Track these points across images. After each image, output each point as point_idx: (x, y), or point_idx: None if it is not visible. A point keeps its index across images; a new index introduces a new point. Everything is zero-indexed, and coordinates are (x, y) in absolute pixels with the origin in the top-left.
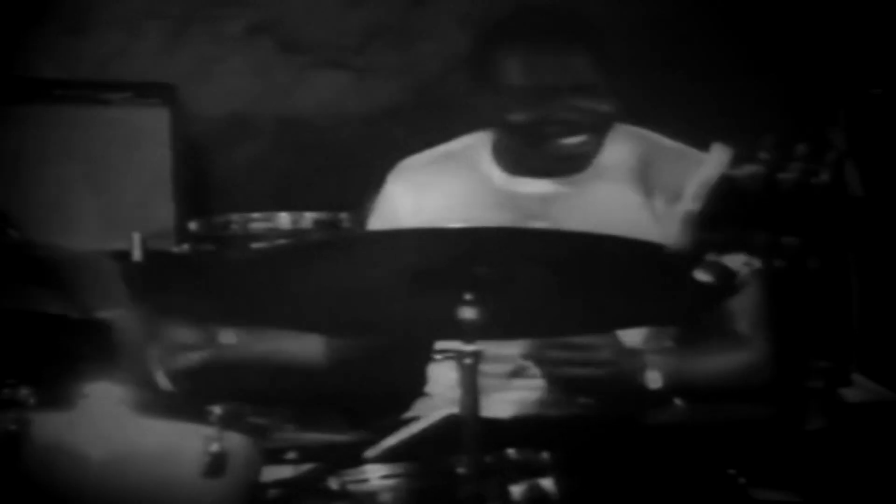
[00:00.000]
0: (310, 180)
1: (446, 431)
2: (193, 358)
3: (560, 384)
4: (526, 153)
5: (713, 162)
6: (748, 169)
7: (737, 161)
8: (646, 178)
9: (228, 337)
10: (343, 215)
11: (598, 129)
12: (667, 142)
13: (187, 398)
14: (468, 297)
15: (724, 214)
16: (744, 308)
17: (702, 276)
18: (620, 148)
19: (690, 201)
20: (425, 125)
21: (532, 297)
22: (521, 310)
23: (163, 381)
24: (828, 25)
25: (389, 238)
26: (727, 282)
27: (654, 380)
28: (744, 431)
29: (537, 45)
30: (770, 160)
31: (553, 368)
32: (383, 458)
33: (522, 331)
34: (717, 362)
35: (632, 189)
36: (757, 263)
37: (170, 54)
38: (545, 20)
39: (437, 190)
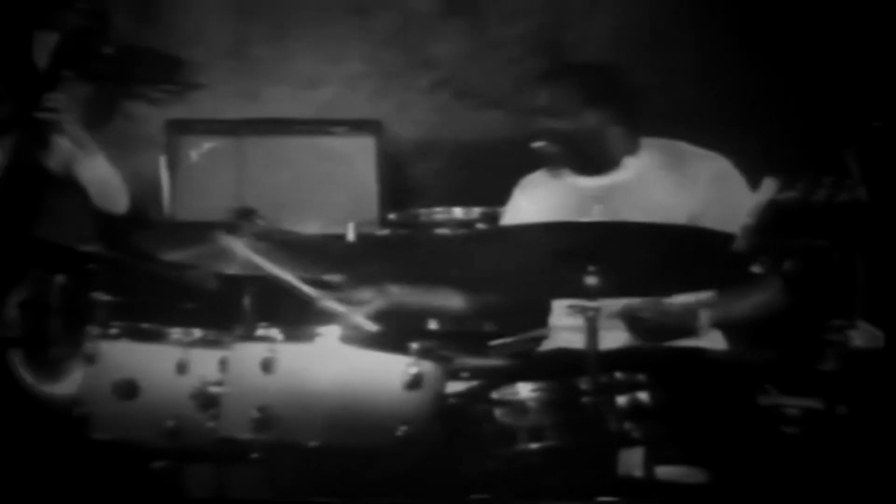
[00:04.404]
0: (473, 186)
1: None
2: (377, 304)
3: (640, 330)
4: None
5: (764, 190)
6: (787, 194)
7: (780, 189)
8: (674, 172)
9: (394, 290)
10: (499, 209)
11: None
12: (689, 146)
13: (386, 334)
14: (591, 268)
15: (770, 227)
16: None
17: (756, 268)
18: (649, 153)
19: (747, 218)
20: None
21: (635, 270)
22: (628, 277)
23: (365, 323)
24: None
25: (544, 228)
26: (774, 271)
27: (705, 320)
28: (777, 363)
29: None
30: (804, 188)
31: (637, 322)
32: (501, 349)
33: (628, 292)
34: (747, 301)
35: (662, 179)
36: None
37: (378, 101)
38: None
39: (545, 197)
